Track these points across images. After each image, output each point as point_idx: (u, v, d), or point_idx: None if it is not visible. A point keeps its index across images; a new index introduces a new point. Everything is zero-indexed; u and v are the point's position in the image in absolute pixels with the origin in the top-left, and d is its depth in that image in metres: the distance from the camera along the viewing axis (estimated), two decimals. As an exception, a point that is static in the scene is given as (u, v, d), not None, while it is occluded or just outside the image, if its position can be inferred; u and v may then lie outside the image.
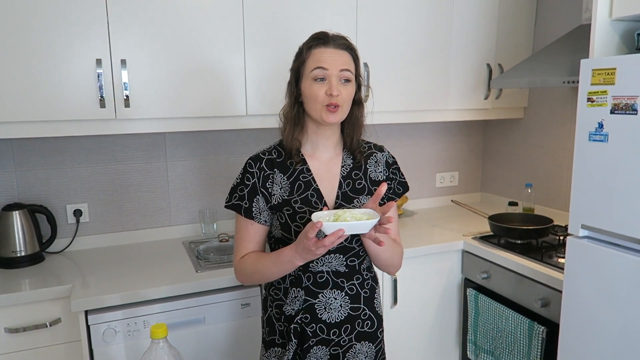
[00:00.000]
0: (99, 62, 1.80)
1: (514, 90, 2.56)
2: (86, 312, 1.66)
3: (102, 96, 1.81)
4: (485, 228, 2.31)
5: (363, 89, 1.38)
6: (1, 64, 1.69)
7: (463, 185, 2.96)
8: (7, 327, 1.67)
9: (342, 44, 1.29)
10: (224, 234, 2.16)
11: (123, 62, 1.83)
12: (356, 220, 1.14)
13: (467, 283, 2.22)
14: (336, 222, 1.12)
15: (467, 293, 2.15)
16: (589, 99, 1.45)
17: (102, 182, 2.19)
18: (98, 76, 1.80)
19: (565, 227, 2.23)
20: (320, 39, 1.28)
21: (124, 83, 1.83)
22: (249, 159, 1.37)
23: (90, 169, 2.17)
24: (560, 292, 1.75)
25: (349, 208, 1.30)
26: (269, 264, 1.29)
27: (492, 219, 2.20)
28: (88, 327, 1.66)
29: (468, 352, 2.18)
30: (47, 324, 1.71)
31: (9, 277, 1.83)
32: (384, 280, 2.10)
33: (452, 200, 2.65)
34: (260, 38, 2.02)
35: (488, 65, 2.47)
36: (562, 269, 1.81)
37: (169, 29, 1.88)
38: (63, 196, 2.14)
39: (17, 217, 1.93)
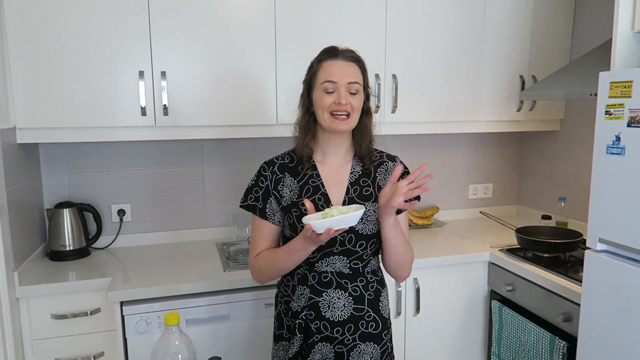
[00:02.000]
0: (141, 73, 1.96)
1: (549, 102, 2.52)
2: (121, 304, 1.80)
3: (143, 105, 1.97)
4: (514, 241, 2.28)
5: (372, 99, 1.45)
6: (56, 76, 1.88)
7: (498, 198, 2.93)
8: (54, 313, 1.84)
9: (351, 56, 1.37)
10: (254, 237, 2.26)
11: (163, 74, 1.98)
12: (342, 214, 1.20)
13: (493, 295, 2.21)
14: (324, 220, 1.20)
15: (492, 305, 2.14)
16: (606, 112, 1.44)
17: (144, 185, 2.36)
18: (140, 87, 1.96)
19: (597, 243, 2.18)
20: (330, 52, 1.37)
21: (163, 93, 1.98)
22: (263, 162, 1.48)
23: (134, 172, 2.34)
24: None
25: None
26: (283, 255, 1.37)
27: (520, 231, 2.18)
28: (123, 317, 1.80)
29: (492, 364, 2.16)
30: (89, 312, 1.87)
31: (57, 268, 2.02)
32: (406, 288, 2.12)
33: (480, 212, 2.64)
34: (291, 49, 2.12)
35: (521, 76, 2.45)
36: (586, 283, 1.79)
37: (205, 42, 2.02)
38: (108, 197, 2.32)
39: (67, 215, 2.12)
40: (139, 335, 1.81)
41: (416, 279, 2.13)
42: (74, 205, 2.17)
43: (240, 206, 1.47)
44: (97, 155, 2.28)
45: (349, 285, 1.41)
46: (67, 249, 2.12)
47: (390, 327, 1.50)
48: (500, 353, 2.10)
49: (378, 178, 1.47)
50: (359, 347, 1.41)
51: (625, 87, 1.38)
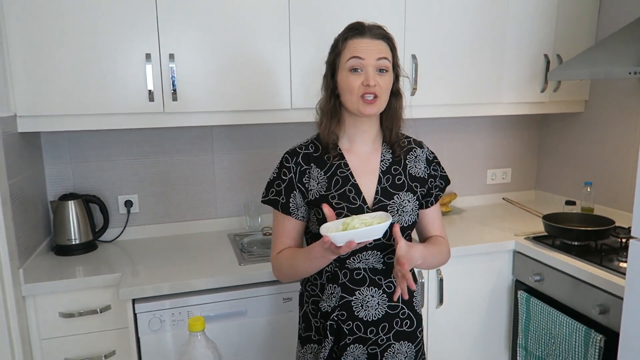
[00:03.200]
0: (148, 56, 1.84)
1: (573, 82, 2.41)
2: (133, 301, 1.71)
3: (150, 90, 1.85)
4: (539, 228, 2.19)
5: (402, 79, 1.33)
6: (58, 60, 1.76)
7: (516, 183, 2.83)
8: (62, 311, 1.75)
9: (379, 33, 1.25)
10: (268, 227, 2.17)
11: (171, 56, 1.86)
12: (366, 226, 1.09)
13: (518, 285, 2.12)
14: (344, 232, 1.07)
15: (519, 295, 2.05)
16: (658, 91, 1.33)
17: (151, 174, 2.25)
18: (147, 70, 1.83)
19: (628, 229, 2.08)
20: (356, 29, 1.24)
21: (172, 77, 1.87)
22: (285, 153, 1.36)
23: (141, 161, 2.23)
24: (621, 298, 1.64)
25: (356, 215, 1.23)
26: (302, 259, 1.27)
27: (547, 218, 2.09)
28: (135, 315, 1.71)
29: (518, 357, 2.08)
30: (98, 310, 1.77)
31: (64, 264, 1.92)
32: (429, 279, 2.04)
33: (503, 198, 2.54)
34: (306, 29, 2.00)
35: (545, 56, 2.33)
36: (624, 273, 1.69)
37: (215, 22, 1.90)
38: (115, 187, 2.21)
39: (72, 207, 2.01)
40: (152, 333, 1.72)
41: (439, 269, 2.04)
42: (79, 196, 2.06)
43: (262, 201, 1.37)
44: (101, 143, 2.16)
45: (383, 282, 1.31)
46: (74, 242, 2.02)
47: (422, 324, 1.41)
48: (528, 345, 2.02)
49: (409, 165, 1.36)
50: (393, 347, 1.32)
51: (681, 63, 1.26)
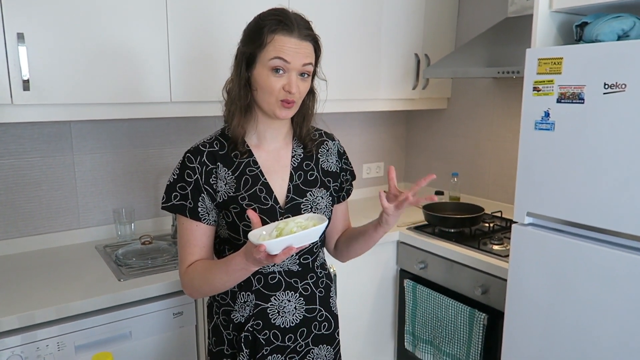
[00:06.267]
0: (-13, 34, 1.49)
1: (438, 81, 2.59)
2: (-17, 338, 1.37)
3: (-7, 76, 1.50)
4: (416, 218, 2.31)
5: (316, 77, 1.26)
6: None
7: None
8: None
9: (308, 34, 1.14)
10: (147, 235, 1.93)
11: (20, 36, 1.53)
12: (303, 229, 1.00)
13: (403, 274, 2.21)
14: (283, 238, 0.97)
15: (405, 284, 2.14)
16: (534, 88, 1.47)
17: (-9, 180, 1.85)
18: (-13, 52, 1.48)
19: (492, 215, 2.32)
20: (285, 25, 1.11)
21: (22, 61, 1.53)
22: (187, 152, 1.20)
23: (-24, 164, 1.81)
24: (499, 278, 1.80)
25: (286, 218, 1.16)
26: (219, 273, 1.13)
27: (427, 208, 2.21)
28: (-15, 356, 1.38)
29: (405, 343, 2.17)
30: None
31: None
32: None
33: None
34: (186, 16, 1.81)
35: (416, 55, 2.47)
36: (500, 255, 1.87)
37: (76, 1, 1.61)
38: (-60, 198, 1.76)
39: None
40: (10, 375, 1.40)
41: (332, 264, 2.02)
42: None
43: (163, 208, 1.19)
44: None
45: (299, 284, 1.23)
46: None
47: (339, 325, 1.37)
48: (415, 331, 2.12)
49: (321, 160, 1.31)
50: (312, 352, 1.26)
51: (554, 63, 1.41)
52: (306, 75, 1.16)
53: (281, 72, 1.12)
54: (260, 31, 1.12)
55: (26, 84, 1.55)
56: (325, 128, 1.41)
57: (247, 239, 0.99)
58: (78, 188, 2.02)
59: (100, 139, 2.03)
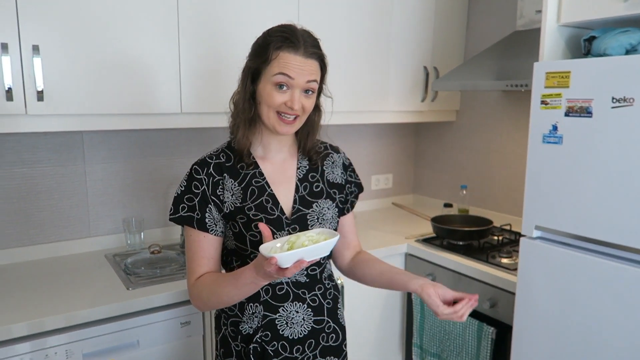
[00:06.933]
0: (4, 46, 1.52)
1: (447, 93, 2.60)
2: (-8, 345, 1.39)
3: (9, 87, 1.53)
4: (424, 230, 2.31)
5: (323, 94, 1.28)
6: None
7: (397, 187, 2.97)
8: None
9: (314, 52, 1.15)
10: (156, 245, 1.94)
11: (35, 48, 1.57)
12: (314, 244, 1.01)
13: (411, 286, 2.20)
14: (294, 251, 0.97)
15: (413, 296, 2.13)
16: (542, 102, 1.47)
17: (4, 189, 1.87)
18: (4, 63, 1.52)
19: (501, 228, 2.30)
20: (290, 42, 1.13)
21: (36, 73, 1.57)
22: (194, 164, 1.22)
23: (-10, 173, 1.84)
24: (508, 292, 1.79)
25: (297, 232, 1.17)
26: (228, 287, 1.13)
27: (435, 220, 2.21)
28: (-4, 362, 1.39)
29: (413, 356, 2.15)
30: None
31: None
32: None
33: (393, 203, 2.64)
34: (197, 29, 1.84)
35: (425, 67, 2.48)
36: (508, 269, 1.85)
37: (90, 10, 1.64)
38: (-45, 206, 1.80)
39: None
40: (20, 382, 1.42)
41: (339, 275, 2.02)
42: None
43: (171, 219, 1.21)
44: None
45: (307, 295, 1.24)
46: None
47: (346, 337, 1.37)
48: (423, 344, 2.11)
49: (326, 172, 1.32)
50: (318, 364, 1.25)
51: (562, 77, 1.41)
52: (310, 92, 1.18)
53: (285, 88, 1.14)
54: (266, 47, 1.14)
55: (40, 95, 1.59)
56: (330, 142, 1.42)
57: (254, 248, 1.00)
58: (89, 197, 2.04)
59: (111, 149, 2.06)
